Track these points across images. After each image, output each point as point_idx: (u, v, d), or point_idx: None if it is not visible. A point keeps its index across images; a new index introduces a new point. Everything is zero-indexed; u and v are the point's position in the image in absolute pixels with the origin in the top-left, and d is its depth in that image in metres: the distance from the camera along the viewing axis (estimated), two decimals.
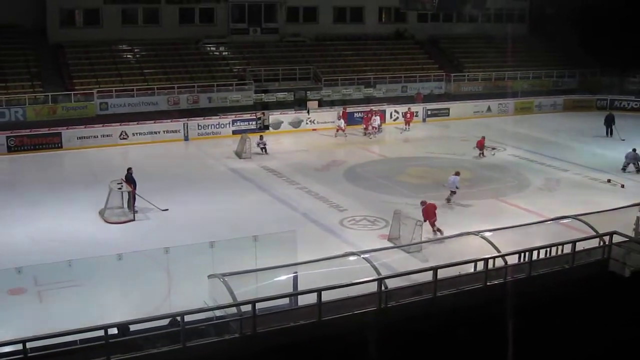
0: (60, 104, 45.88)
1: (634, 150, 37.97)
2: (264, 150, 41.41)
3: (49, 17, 51.84)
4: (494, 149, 42.27)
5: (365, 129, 47.50)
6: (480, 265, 19.05)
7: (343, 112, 48.46)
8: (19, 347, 13.99)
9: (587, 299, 19.06)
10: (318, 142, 45.54)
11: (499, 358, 18.54)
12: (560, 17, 62.13)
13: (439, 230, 26.84)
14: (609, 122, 48.03)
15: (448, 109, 53.87)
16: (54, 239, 26.40)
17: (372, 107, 49.92)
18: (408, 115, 49.65)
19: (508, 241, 20.45)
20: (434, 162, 40.10)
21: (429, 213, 27.09)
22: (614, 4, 61.32)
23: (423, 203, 27.61)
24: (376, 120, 47.57)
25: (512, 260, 19.56)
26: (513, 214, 29.58)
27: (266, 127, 47.17)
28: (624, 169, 38.01)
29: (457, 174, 31.73)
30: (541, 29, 66.53)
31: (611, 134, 47.67)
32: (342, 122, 47.04)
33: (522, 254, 19.83)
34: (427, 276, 18.10)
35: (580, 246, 20.35)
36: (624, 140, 45.03)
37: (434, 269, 17.93)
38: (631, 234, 22.36)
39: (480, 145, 41.14)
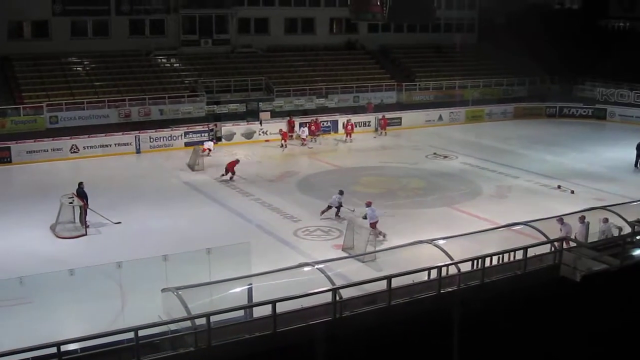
0: (8, 117, 45.12)
1: None
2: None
3: None
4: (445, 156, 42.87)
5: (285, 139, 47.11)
6: (434, 273, 19.17)
7: (290, 121, 48.91)
8: None
9: (539, 304, 19.29)
10: (271, 153, 45.47)
11: None
12: (509, 26, 62.95)
13: None
14: None
15: (400, 118, 54.03)
16: (4, 255, 25.93)
17: (291, 116, 50.17)
18: (349, 126, 49.49)
19: (461, 249, 20.62)
20: (387, 171, 40.46)
21: None
22: (560, 13, 62.73)
23: None
24: (304, 132, 47.70)
25: (465, 267, 19.70)
26: (465, 222, 29.83)
27: (219, 139, 46.96)
28: (637, 164, 39.89)
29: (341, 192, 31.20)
30: (490, 38, 67.14)
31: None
32: (305, 132, 47.56)
33: (475, 261, 20.03)
34: (382, 285, 18.17)
35: (532, 252, 20.56)
36: None
37: (388, 278, 18.00)
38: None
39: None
